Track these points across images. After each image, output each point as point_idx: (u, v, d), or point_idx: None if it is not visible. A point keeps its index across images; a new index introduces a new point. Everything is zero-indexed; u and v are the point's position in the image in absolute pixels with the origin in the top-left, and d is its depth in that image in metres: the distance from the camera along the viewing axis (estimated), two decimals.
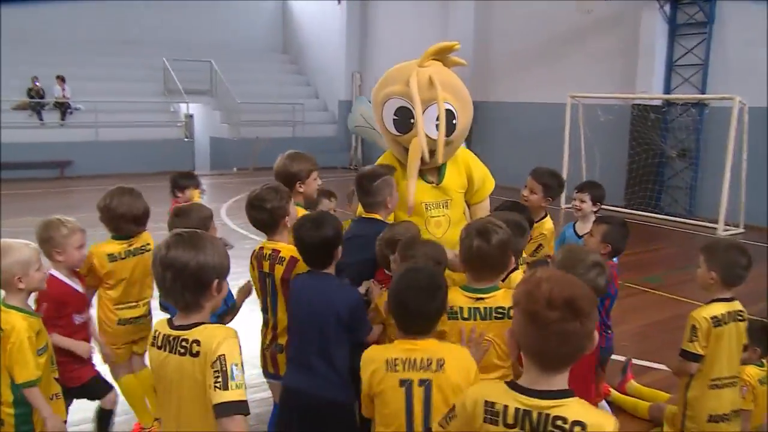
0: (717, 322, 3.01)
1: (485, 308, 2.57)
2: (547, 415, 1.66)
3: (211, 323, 2.16)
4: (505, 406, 1.71)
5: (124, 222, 3.39)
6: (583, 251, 2.85)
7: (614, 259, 3.65)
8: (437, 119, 3.46)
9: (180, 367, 2.07)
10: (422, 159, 3.46)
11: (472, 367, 2.30)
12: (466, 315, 2.58)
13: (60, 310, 3.13)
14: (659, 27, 11.62)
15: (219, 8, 20.69)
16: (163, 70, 18.38)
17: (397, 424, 2.28)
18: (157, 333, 2.17)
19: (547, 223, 4.04)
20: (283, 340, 3.01)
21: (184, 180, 5.07)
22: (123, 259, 3.42)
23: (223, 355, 2.00)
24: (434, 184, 3.66)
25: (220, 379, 1.97)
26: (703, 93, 11.15)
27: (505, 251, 2.60)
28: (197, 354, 2.04)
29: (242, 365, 2.06)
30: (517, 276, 2.90)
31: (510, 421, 1.70)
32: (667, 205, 11.53)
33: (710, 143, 10.98)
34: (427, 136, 3.46)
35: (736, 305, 3.11)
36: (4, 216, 10.82)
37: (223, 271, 2.14)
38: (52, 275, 3.07)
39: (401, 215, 3.62)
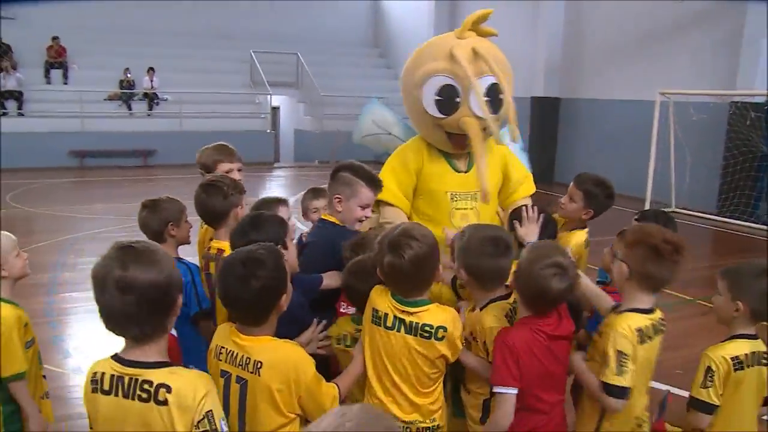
0: (739, 364, 2.37)
1: (411, 323, 2.30)
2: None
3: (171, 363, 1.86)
4: None
5: None
6: (550, 249, 2.40)
7: None
8: (486, 95, 3.07)
9: (143, 417, 1.74)
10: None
11: (301, 376, 2.08)
12: (389, 324, 2.31)
13: None
14: None
15: (309, 2, 20.77)
16: (250, 63, 18.65)
17: None
18: (98, 376, 1.81)
19: (576, 236, 3.34)
20: None
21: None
22: None
23: (211, 411, 1.76)
24: (463, 173, 3.26)
25: None
26: None
27: (424, 266, 2.27)
28: (165, 402, 1.73)
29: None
30: (497, 308, 2.49)
31: None
32: (765, 213, 10.44)
33: None
34: (475, 115, 3.07)
35: (761, 345, 2.46)
36: (88, 201, 11.26)
37: (181, 284, 1.87)
38: None
39: (427, 210, 3.26)
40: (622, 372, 2.25)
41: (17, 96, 15.50)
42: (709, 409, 2.39)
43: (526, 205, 3.04)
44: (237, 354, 2.09)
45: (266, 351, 2.07)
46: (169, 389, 1.73)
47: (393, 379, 2.33)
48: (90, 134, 15.42)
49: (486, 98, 3.08)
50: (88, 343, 5.11)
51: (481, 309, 2.51)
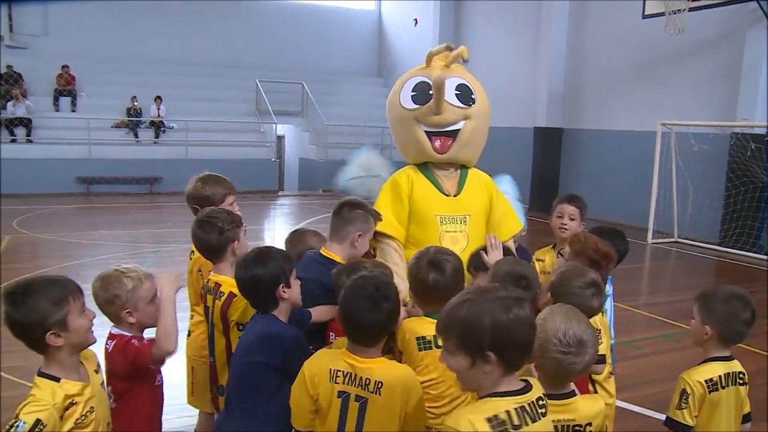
0: (713, 386, 2.47)
1: None
2: None
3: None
4: None
5: None
6: (582, 268, 2.63)
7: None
8: (456, 89, 3.42)
9: None
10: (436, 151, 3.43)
11: (414, 393, 2.20)
12: (441, 342, 2.35)
13: None
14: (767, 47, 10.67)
15: (315, 32, 21.13)
16: (256, 92, 18.89)
17: None
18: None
19: None
20: (223, 380, 2.77)
21: None
22: None
23: None
24: (451, 196, 3.43)
25: None
26: None
27: (461, 278, 2.50)
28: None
29: None
30: None
31: None
32: (767, 244, 10.48)
33: None
34: (448, 103, 3.37)
35: (736, 366, 2.55)
36: (94, 227, 11.33)
37: None
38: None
39: (417, 234, 3.37)
40: None
41: (26, 123, 15.72)
42: (684, 429, 2.48)
43: (488, 235, 3.19)
44: (356, 375, 2.19)
45: (385, 371, 2.19)
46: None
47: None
48: (97, 161, 15.61)
49: (456, 91, 3.42)
50: None
51: None
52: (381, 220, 3.14)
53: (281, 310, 2.49)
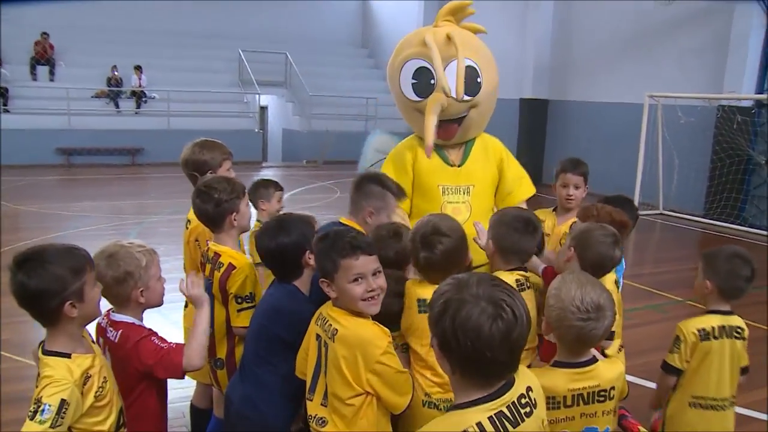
0: (705, 335, 2.66)
1: None
2: None
3: None
4: None
5: None
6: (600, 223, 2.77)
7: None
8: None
9: None
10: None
11: (369, 350, 2.11)
12: None
13: None
14: (756, 20, 10.58)
15: (299, 2, 20.76)
16: (239, 62, 18.60)
17: (309, 374, 2.29)
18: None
19: None
20: (221, 353, 2.73)
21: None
22: None
23: None
24: (455, 166, 3.34)
25: None
26: None
27: (455, 257, 2.44)
28: None
29: None
30: (507, 276, 2.55)
31: None
32: (751, 216, 10.53)
33: None
34: (447, 95, 3.17)
35: (735, 320, 2.71)
36: (75, 199, 11.16)
37: None
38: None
39: (420, 204, 3.32)
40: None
41: (2, 92, 15.35)
42: (674, 371, 2.73)
43: (475, 222, 3.06)
44: (327, 320, 2.22)
45: (347, 322, 2.17)
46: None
47: None
48: (77, 132, 15.31)
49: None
50: None
51: None
52: (405, 197, 3.06)
53: (304, 279, 2.47)
